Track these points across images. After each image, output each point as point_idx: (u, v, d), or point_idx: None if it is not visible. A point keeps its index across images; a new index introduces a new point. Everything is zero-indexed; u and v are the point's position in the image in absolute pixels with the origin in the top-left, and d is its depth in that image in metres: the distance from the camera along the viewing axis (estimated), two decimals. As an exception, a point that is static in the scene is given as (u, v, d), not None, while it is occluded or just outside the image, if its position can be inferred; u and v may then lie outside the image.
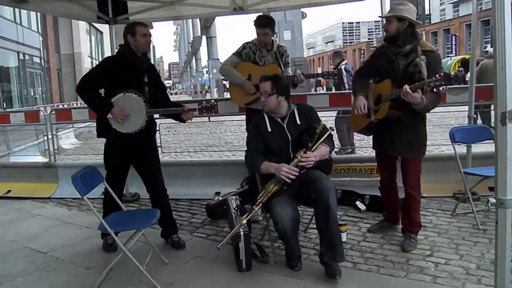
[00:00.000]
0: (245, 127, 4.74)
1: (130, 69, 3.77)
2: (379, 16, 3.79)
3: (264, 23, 4.47)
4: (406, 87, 3.32)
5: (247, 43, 4.62)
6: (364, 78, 3.89)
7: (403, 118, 3.61)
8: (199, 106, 3.95)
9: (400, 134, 3.68)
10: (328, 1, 5.55)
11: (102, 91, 3.87)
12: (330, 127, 3.59)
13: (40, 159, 8.27)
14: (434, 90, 3.31)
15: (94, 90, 3.79)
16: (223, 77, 5.30)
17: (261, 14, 4.88)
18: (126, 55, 3.79)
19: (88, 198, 3.25)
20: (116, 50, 3.96)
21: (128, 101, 3.73)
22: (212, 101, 4.03)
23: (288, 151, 3.49)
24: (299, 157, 3.35)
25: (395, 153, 3.83)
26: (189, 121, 4.03)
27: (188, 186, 5.67)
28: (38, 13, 26.03)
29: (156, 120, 4.18)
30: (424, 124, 3.82)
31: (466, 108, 5.05)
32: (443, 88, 3.60)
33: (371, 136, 4.11)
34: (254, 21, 4.53)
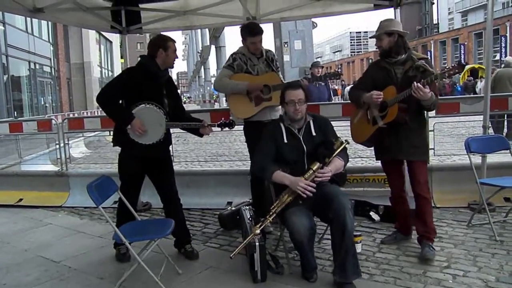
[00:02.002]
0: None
1: (151, 81, 3.78)
2: (370, 37, 3.99)
3: (258, 31, 4.37)
4: (417, 83, 3.42)
5: (235, 54, 4.44)
6: (361, 91, 3.90)
7: (409, 121, 3.68)
8: (218, 122, 3.95)
9: (406, 137, 3.73)
10: (340, 11, 5.56)
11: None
12: (346, 140, 3.56)
13: (51, 167, 8.32)
14: (445, 78, 3.55)
15: (115, 100, 3.81)
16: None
17: (248, 22, 4.81)
18: (149, 67, 3.80)
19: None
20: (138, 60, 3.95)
21: (149, 113, 3.74)
22: (231, 118, 4.03)
23: (303, 162, 3.47)
24: (314, 168, 3.31)
25: (403, 157, 3.84)
26: (207, 135, 4.04)
27: (200, 195, 5.66)
28: (49, 23, 26.31)
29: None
30: (426, 128, 3.98)
31: (477, 117, 5.00)
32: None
33: None
34: (244, 30, 4.39)
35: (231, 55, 4.47)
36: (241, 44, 4.48)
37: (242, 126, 4.58)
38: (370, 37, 3.98)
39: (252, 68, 4.40)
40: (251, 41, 4.35)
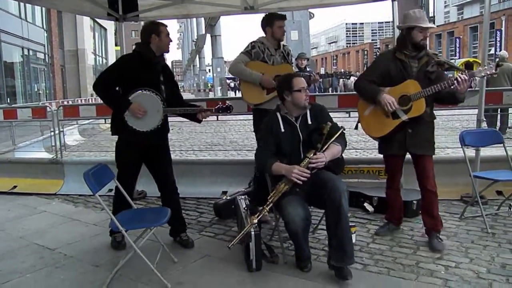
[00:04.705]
0: (249, 126, 4.67)
1: (147, 67, 3.78)
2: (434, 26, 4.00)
3: (284, 16, 4.50)
4: (462, 75, 3.45)
5: (255, 42, 4.52)
6: (372, 84, 3.84)
7: (429, 116, 3.74)
8: (216, 107, 3.95)
9: (422, 132, 3.77)
10: (338, 2, 5.55)
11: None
12: (342, 126, 3.58)
13: (45, 155, 8.28)
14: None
15: (111, 87, 3.81)
16: (230, 76, 5.24)
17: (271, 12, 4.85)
18: (144, 53, 3.79)
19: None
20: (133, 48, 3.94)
21: (146, 99, 3.74)
22: (228, 102, 4.03)
23: (299, 151, 3.48)
24: (309, 156, 3.32)
25: (417, 151, 3.83)
26: (204, 120, 4.04)
27: (195, 184, 5.66)
28: (43, 9, 26.02)
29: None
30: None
31: (471, 111, 5.01)
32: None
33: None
34: (272, 16, 4.49)
35: (250, 42, 4.54)
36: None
37: (239, 116, 4.60)
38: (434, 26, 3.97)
39: (269, 58, 4.47)
40: (279, 25, 4.44)
